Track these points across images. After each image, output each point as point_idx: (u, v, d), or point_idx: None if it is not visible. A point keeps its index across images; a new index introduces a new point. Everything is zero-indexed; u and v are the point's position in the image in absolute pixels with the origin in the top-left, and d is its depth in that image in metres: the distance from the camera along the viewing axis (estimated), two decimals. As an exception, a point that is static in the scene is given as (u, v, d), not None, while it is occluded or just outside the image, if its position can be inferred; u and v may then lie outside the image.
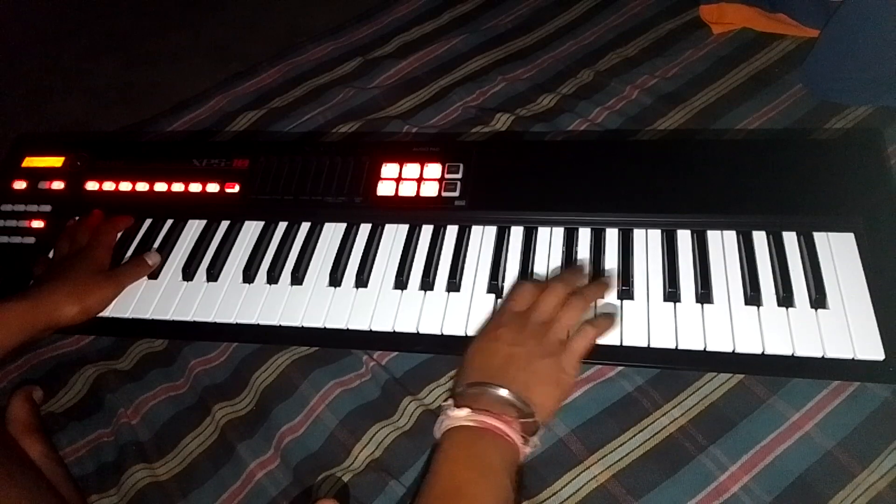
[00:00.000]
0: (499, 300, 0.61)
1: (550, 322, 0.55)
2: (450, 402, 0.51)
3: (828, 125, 0.76)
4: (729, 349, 0.55)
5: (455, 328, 0.60)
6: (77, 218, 0.73)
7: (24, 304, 0.60)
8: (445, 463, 0.48)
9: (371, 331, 0.61)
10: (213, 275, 0.67)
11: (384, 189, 0.69)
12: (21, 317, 0.59)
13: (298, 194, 0.70)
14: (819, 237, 0.60)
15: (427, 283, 0.63)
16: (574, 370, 0.53)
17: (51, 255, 0.71)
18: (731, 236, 0.62)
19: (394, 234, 0.68)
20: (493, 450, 0.48)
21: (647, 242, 0.63)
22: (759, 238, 0.61)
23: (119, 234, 0.72)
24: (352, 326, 0.62)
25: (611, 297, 0.60)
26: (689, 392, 0.60)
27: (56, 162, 0.78)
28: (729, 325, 0.56)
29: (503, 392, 0.50)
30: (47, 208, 0.75)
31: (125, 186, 0.74)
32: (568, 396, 0.54)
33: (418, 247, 0.66)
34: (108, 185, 0.75)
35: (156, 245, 0.71)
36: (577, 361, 0.54)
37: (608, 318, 0.57)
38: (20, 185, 0.77)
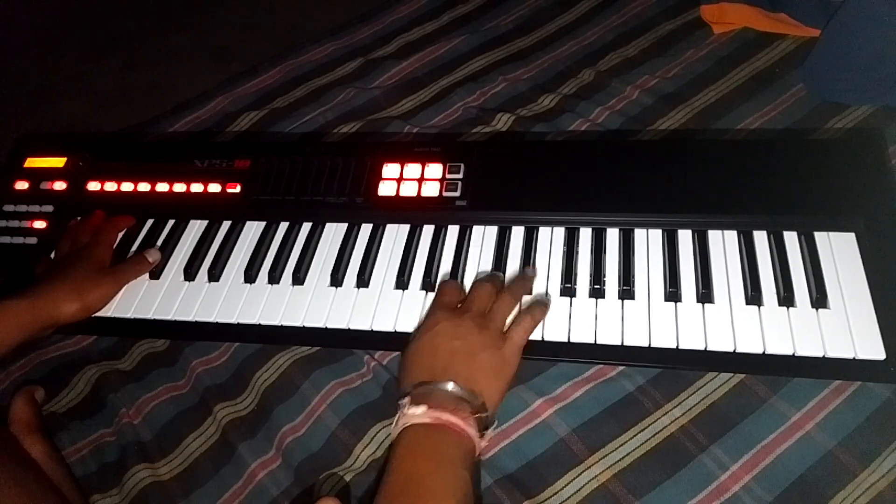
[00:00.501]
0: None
1: (486, 314, 0.56)
2: (406, 399, 0.51)
3: (828, 125, 0.76)
4: (730, 349, 0.55)
5: (456, 328, 0.60)
6: (79, 218, 0.73)
7: (24, 302, 0.60)
8: (403, 458, 0.49)
9: (372, 331, 0.61)
10: (214, 275, 0.67)
11: (385, 189, 0.69)
12: (21, 315, 0.59)
13: (300, 195, 0.70)
14: (820, 237, 0.60)
15: (428, 283, 0.63)
16: (515, 360, 0.55)
17: (52, 255, 0.71)
18: (732, 236, 0.62)
19: (395, 235, 0.68)
20: (451, 444, 0.49)
21: (648, 242, 0.63)
22: (760, 238, 0.61)
23: (120, 233, 0.72)
24: (353, 326, 0.62)
25: (611, 295, 0.60)
26: (690, 392, 0.60)
27: (58, 162, 0.78)
28: (730, 324, 0.56)
29: (451, 387, 0.51)
30: (49, 209, 0.75)
31: (127, 187, 0.75)
32: (509, 386, 0.55)
33: (419, 247, 0.66)
34: (110, 186, 0.75)
35: (157, 245, 0.71)
36: (518, 351, 0.55)
37: (542, 306, 0.58)
38: (22, 185, 0.77)
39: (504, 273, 0.63)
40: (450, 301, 0.58)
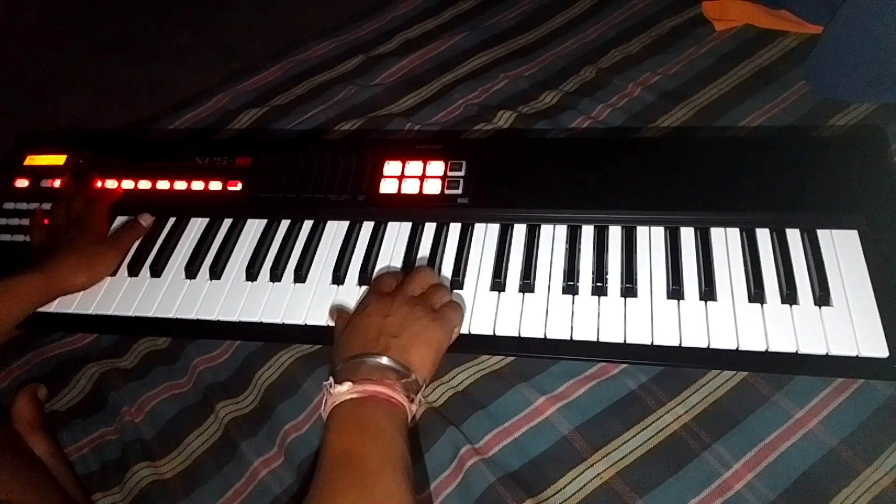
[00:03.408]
0: (502, 296, 0.61)
1: (420, 295, 0.57)
2: (330, 380, 0.51)
3: (831, 122, 0.76)
4: (733, 346, 0.55)
5: (458, 326, 0.60)
6: (65, 189, 0.74)
7: (36, 277, 0.62)
8: (336, 435, 0.48)
9: (374, 328, 0.61)
10: (216, 273, 0.67)
11: (387, 187, 0.69)
12: (34, 289, 0.62)
13: (301, 192, 0.70)
14: (822, 234, 0.60)
15: (430, 281, 0.63)
16: (448, 334, 0.56)
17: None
18: (734, 234, 0.62)
19: (397, 232, 0.68)
20: (381, 413, 0.49)
21: (651, 240, 0.63)
22: (763, 235, 0.61)
23: (111, 204, 0.73)
24: (355, 324, 0.62)
25: (613, 292, 0.60)
26: (693, 390, 0.60)
27: (58, 160, 0.78)
28: (733, 322, 0.56)
29: (381, 359, 0.51)
30: (49, 206, 0.75)
31: (127, 184, 0.74)
32: (442, 356, 0.55)
33: (421, 244, 0.66)
34: (111, 183, 0.75)
35: (158, 243, 0.71)
36: (450, 326, 0.56)
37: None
38: (22, 183, 0.77)
39: (507, 270, 0.63)
40: (385, 288, 0.59)
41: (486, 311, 0.60)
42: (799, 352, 0.54)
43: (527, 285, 0.61)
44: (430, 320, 0.54)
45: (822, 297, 0.56)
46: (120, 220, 0.73)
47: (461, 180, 0.68)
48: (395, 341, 0.53)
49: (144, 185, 0.74)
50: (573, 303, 0.60)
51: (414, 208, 0.68)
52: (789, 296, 0.57)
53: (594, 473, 0.57)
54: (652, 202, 0.63)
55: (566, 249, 0.63)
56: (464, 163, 0.69)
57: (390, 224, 0.68)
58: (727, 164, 0.64)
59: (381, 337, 0.53)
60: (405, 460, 0.47)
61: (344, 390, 0.49)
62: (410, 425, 0.51)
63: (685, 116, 0.80)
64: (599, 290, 0.60)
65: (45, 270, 0.63)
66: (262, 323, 0.63)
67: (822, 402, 0.57)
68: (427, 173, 0.69)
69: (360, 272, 0.64)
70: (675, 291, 0.59)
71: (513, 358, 0.64)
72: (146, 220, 0.71)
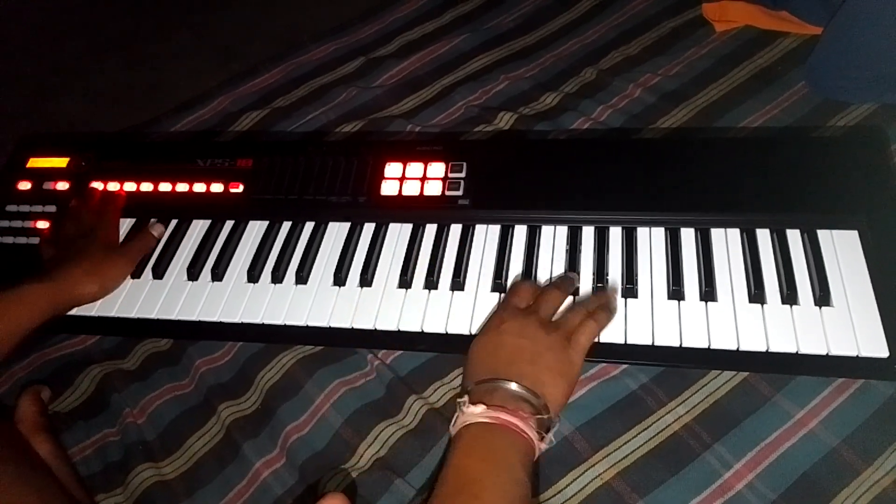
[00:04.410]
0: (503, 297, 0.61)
1: (556, 320, 0.55)
2: (465, 398, 0.51)
3: (831, 123, 0.76)
4: (733, 347, 0.55)
5: (459, 327, 0.60)
6: (75, 199, 0.74)
7: (47, 285, 0.62)
8: (461, 457, 0.48)
9: (376, 330, 0.62)
10: (217, 274, 0.67)
11: (388, 188, 0.69)
12: (44, 298, 0.61)
13: (302, 194, 0.70)
14: (823, 235, 0.60)
15: (431, 283, 0.63)
16: (580, 363, 0.54)
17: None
18: (734, 234, 0.62)
19: (398, 234, 0.68)
20: (509, 445, 0.48)
21: (651, 241, 0.63)
22: (763, 236, 0.61)
23: (121, 211, 0.73)
24: (356, 325, 0.62)
25: (585, 293, 0.60)
26: (694, 390, 0.60)
27: (60, 162, 0.78)
28: (733, 322, 0.56)
29: (514, 386, 0.50)
30: (52, 209, 0.75)
31: (129, 187, 0.75)
32: (574, 390, 0.54)
33: (422, 246, 0.66)
34: (113, 186, 0.75)
35: (161, 245, 0.71)
36: (583, 354, 0.54)
37: (608, 311, 0.57)
38: (25, 185, 0.78)
39: (508, 272, 0.63)
40: (520, 302, 0.57)
41: (487, 313, 0.60)
42: (799, 352, 0.54)
43: (528, 286, 0.61)
44: (565, 351, 0.53)
45: (822, 297, 0.56)
46: (124, 222, 0.73)
47: (462, 182, 0.68)
48: (530, 369, 0.51)
49: (146, 187, 0.74)
50: (574, 304, 0.60)
51: (415, 210, 0.68)
52: (790, 296, 0.57)
53: (595, 474, 0.57)
54: (652, 203, 0.64)
55: (567, 250, 0.64)
56: (464, 164, 0.69)
57: (391, 225, 0.69)
58: (727, 164, 0.64)
59: (515, 361, 0.52)
60: (525, 499, 0.47)
61: (478, 412, 0.49)
62: (535, 460, 0.50)
63: (685, 117, 0.80)
64: (600, 290, 0.60)
65: (55, 279, 0.62)
66: (263, 324, 0.64)
67: (822, 403, 0.58)
68: (428, 175, 0.69)
69: (362, 274, 0.65)
70: (676, 292, 0.59)
71: (514, 359, 0.64)
72: (157, 230, 0.70)
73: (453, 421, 0.51)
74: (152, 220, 0.71)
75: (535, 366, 0.51)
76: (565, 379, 0.52)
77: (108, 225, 0.69)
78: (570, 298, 0.60)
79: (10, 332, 0.59)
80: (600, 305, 0.57)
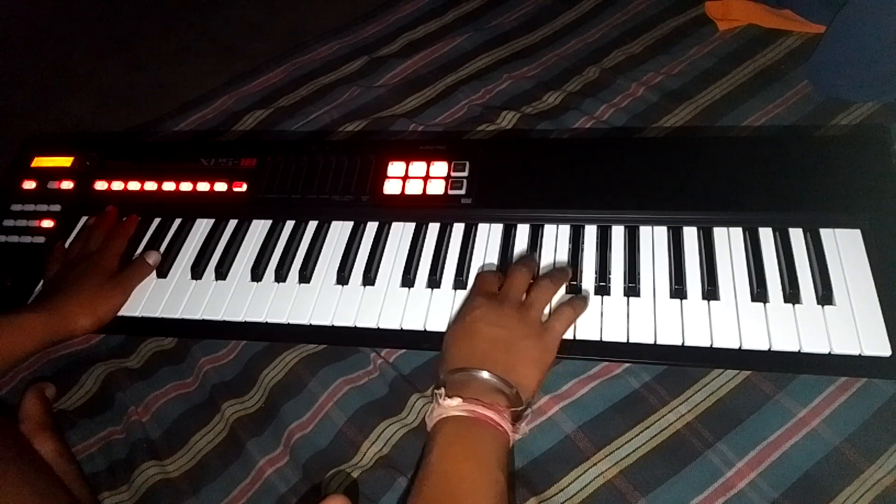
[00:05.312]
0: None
1: (526, 302, 0.56)
2: (441, 391, 0.51)
3: (834, 121, 0.76)
4: (736, 346, 0.55)
5: (462, 325, 0.60)
6: (93, 218, 0.74)
7: (41, 316, 0.61)
8: (439, 456, 0.48)
9: (379, 328, 0.62)
10: (221, 273, 0.68)
11: (391, 187, 0.69)
12: (37, 328, 0.61)
13: (305, 193, 0.71)
14: (825, 234, 0.60)
15: (434, 281, 0.63)
16: (554, 350, 0.55)
17: (67, 242, 0.73)
18: (737, 233, 0.62)
19: (401, 233, 0.68)
20: (486, 440, 0.49)
21: (654, 239, 0.63)
22: (766, 235, 0.61)
23: (128, 239, 0.72)
24: (360, 324, 0.62)
25: (616, 292, 0.60)
26: (696, 388, 0.60)
27: (65, 162, 0.79)
28: (735, 321, 0.56)
29: (487, 375, 0.51)
30: (56, 208, 0.76)
31: (134, 186, 0.75)
32: (546, 377, 0.55)
33: (425, 245, 0.67)
34: (117, 185, 0.76)
35: (164, 244, 0.71)
36: (558, 341, 0.55)
37: (582, 299, 0.58)
38: (30, 184, 0.78)
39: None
40: (489, 289, 0.58)
41: (489, 311, 0.60)
42: (802, 351, 0.54)
43: (530, 285, 0.61)
44: (538, 338, 0.54)
45: (824, 296, 0.56)
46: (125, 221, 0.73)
47: (465, 181, 0.68)
48: (503, 357, 0.52)
49: (150, 186, 0.75)
50: (576, 302, 0.60)
51: (418, 209, 0.68)
52: (792, 295, 0.57)
53: (598, 472, 0.57)
54: (655, 202, 0.64)
55: (569, 249, 0.64)
56: (467, 163, 0.69)
57: (394, 224, 0.69)
58: (730, 163, 0.64)
59: (491, 351, 0.52)
60: (504, 495, 0.47)
61: (453, 405, 0.49)
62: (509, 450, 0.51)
63: (688, 116, 0.80)
64: (602, 289, 0.60)
65: (50, 311, 0.62)
66: (267, 323, 0.64)
67: (824, 401, 0.58)
68: (431, 174, 0.69)
69: (365, 272, 0.65)
70: (678, 291, 0.59)
71: (516, 357, 0.64)
72: (152, 257, 0.69)
73: (429, 412, 0.51)
74: (148, 251, 0.70)
75: (510, 354, 0.52)
76: (539, 367, 0.53)
77: (111, 253, 0.69)
78: (560, 292, 0.60)
79: (5, 357, 0.59)
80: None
